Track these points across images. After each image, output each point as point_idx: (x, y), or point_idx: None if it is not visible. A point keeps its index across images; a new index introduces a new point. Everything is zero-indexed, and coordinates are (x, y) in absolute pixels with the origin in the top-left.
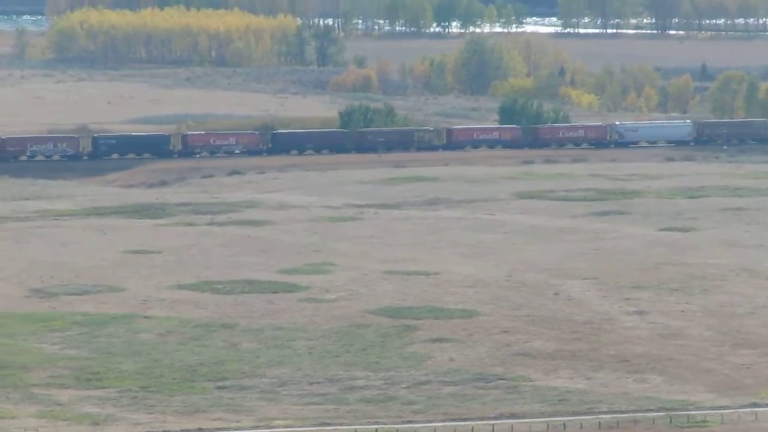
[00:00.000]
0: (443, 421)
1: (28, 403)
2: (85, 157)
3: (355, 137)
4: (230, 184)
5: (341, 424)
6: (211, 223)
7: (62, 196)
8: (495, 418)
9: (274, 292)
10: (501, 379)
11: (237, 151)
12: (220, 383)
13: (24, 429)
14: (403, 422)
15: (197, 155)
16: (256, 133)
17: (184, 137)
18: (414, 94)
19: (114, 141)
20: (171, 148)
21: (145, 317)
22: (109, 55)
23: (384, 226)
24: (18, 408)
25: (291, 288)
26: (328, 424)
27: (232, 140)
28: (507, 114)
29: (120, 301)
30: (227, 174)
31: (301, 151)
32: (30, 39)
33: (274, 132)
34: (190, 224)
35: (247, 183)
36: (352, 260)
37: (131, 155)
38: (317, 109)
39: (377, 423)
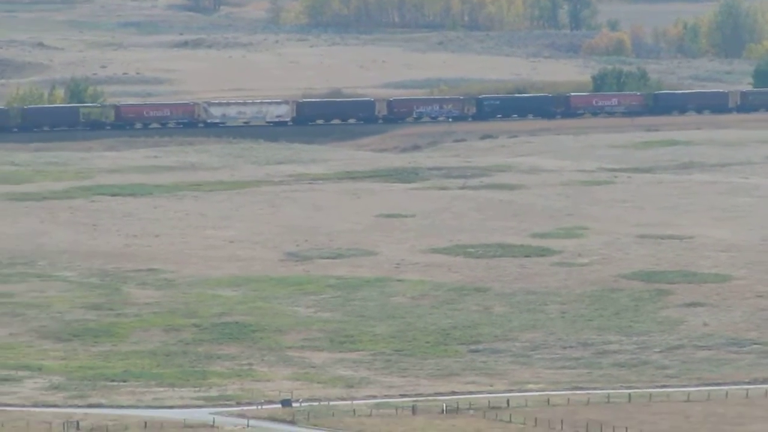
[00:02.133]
0: (697, 386)
1: (283, 365)
2: (470, 119)
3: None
4: (482, 148)
5: (594, 389)
6: (463, 187)
7: (316, 161)
8: (749, 383)
9: (527, 256)
10: (755, 343)
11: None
12: (473, 347)
13: (279, 391)
14: (657, 387)
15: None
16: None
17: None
18: (667, 58)
19: (498, 102)
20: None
21: (398, 281)
22: (362, 20)
23: (637, 190)
24: (273, 370)
25: (543, 252)
26: (581, 389)
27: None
28: (762, 77)
29: (373, 264)
30: (479, 138)
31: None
32: (284, 4)
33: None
34: (443, 188)
35: (499, 147)
36: (605, 224)
37: (514, 116)
38: (570, 73)
39: (630, 387)
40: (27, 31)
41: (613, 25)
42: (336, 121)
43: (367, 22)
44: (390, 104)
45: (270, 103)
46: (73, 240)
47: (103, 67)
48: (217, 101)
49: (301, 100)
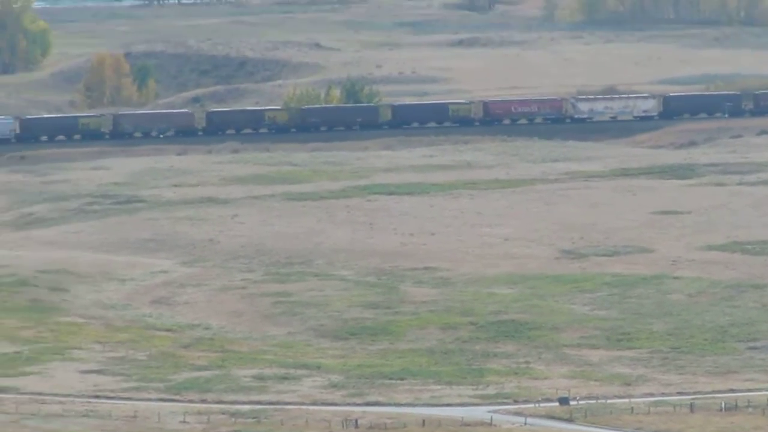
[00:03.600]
0: None
1: (559, 363)
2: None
3: None
4: (760, 144)
5: None
6: (740, 183)
7: (591, 158)
8: None
9: None
10: None
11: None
12: (751, 344)
13: (556, 389)
14: None
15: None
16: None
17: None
18: None
19: None
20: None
21: (675, 278)
22: (637, 16)
23: None
24: (550, 368)
25: None
26: None
27: None
28: None
29: (649, 261)
30: (756, 134)
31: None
32: (559, 2)
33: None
34: (719, 184)
35: None
36: None
37: None
38: None
39: None
40: (304, 32)
41: None
42: (703, 115)
43: (642, 18)
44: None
45: (637, 98)
46: (350, 239)
47: (379, 66)
48: (584, 96)
49: (668, 95)
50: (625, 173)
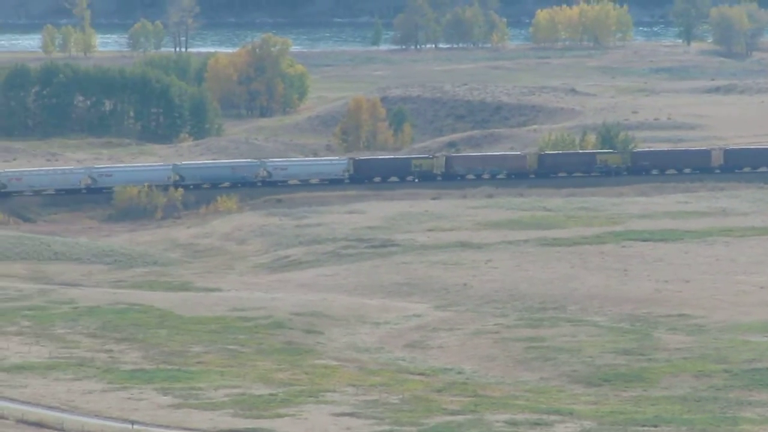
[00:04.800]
0: None
1: None
2: None
3: None
4: None
5: None
6: None
7: None
8: None
9: None
10: None
11: None
12: None
13: None
14: None
15: None
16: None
17: None
18: None
19: None
20: None
21: None
22: None
23: None
24: None
25: None
26: None
27: None
28: None
29: None
30: None
31: None
32: None
33: None
34: None
35: None
36: None
37: None
38: None
39: None
40: (559, 77)
41: None
42: None
43: None
44: None
45: None
46: (604, 285)
47: (635, 112)
48: None
49: None
50: None
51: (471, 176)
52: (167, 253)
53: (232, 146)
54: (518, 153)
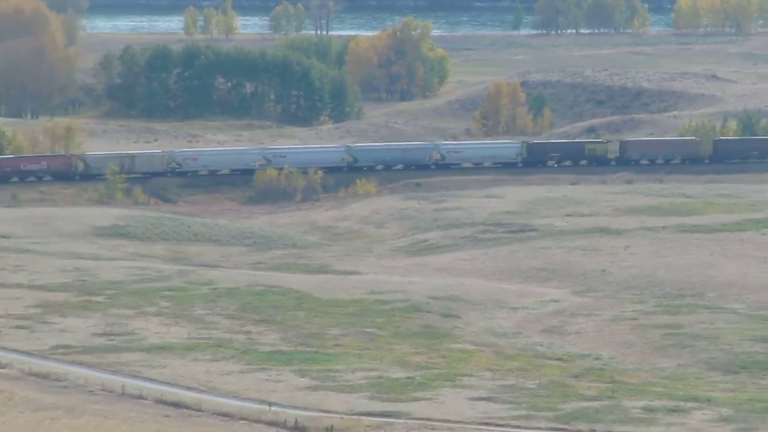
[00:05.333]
0: None
1: None
2: None
3: None
4: None
5: None
6: None
7: None
8: None
9: None
10: None
11: None
12: None
13: None
14: None
15: None
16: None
17: None
18: None
19: None
20: None
21: None
22: None
23: None
24: None
25: None
26: None
27: None
28: None
29: None
30: None
31: None
32: None
33: None
34: None
35: None
36: None
37: None
38: None
39: None
40: (701, 63)
41: None
42: None
43: None
44: None
45: None
46: (743, 273)
47: None
48: None
49: None
50: None
51: (645, 161)
52: (306, 235)
53: (371, 129)
54: (693, 138)
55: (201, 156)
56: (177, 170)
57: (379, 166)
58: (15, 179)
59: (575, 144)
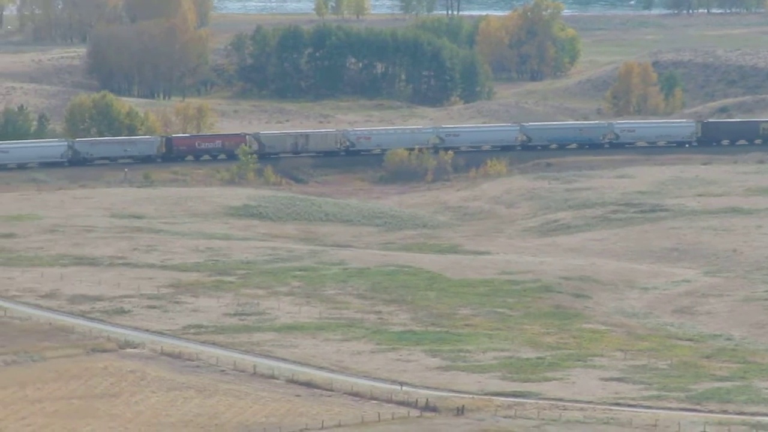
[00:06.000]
0: None
1: None
2: None
3: None
4: None
5: None
6: None
7: None
8: None
9: None
10: None
11: None
12: None
13: None
14: None
15: None
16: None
17: None
18: None
19: None
20: None
21: None
22: None
23: None
24: None
25: None
26: None
27: None
28: None
29: None
30: None
31: None
32: None
33: None
34: None
35: None
36: None
37: None
38: None
39: None
40: None
41: None
42: None
43: None
44: None
45: None
46: None
47: None
48: None
49: None
50: None
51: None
52: (436, 215)
53: (502, 110)
54: None
55: (374, 135)
56: (350, 149)
57: (553, 145)
58: (189, 158)
59: (750, 123)
